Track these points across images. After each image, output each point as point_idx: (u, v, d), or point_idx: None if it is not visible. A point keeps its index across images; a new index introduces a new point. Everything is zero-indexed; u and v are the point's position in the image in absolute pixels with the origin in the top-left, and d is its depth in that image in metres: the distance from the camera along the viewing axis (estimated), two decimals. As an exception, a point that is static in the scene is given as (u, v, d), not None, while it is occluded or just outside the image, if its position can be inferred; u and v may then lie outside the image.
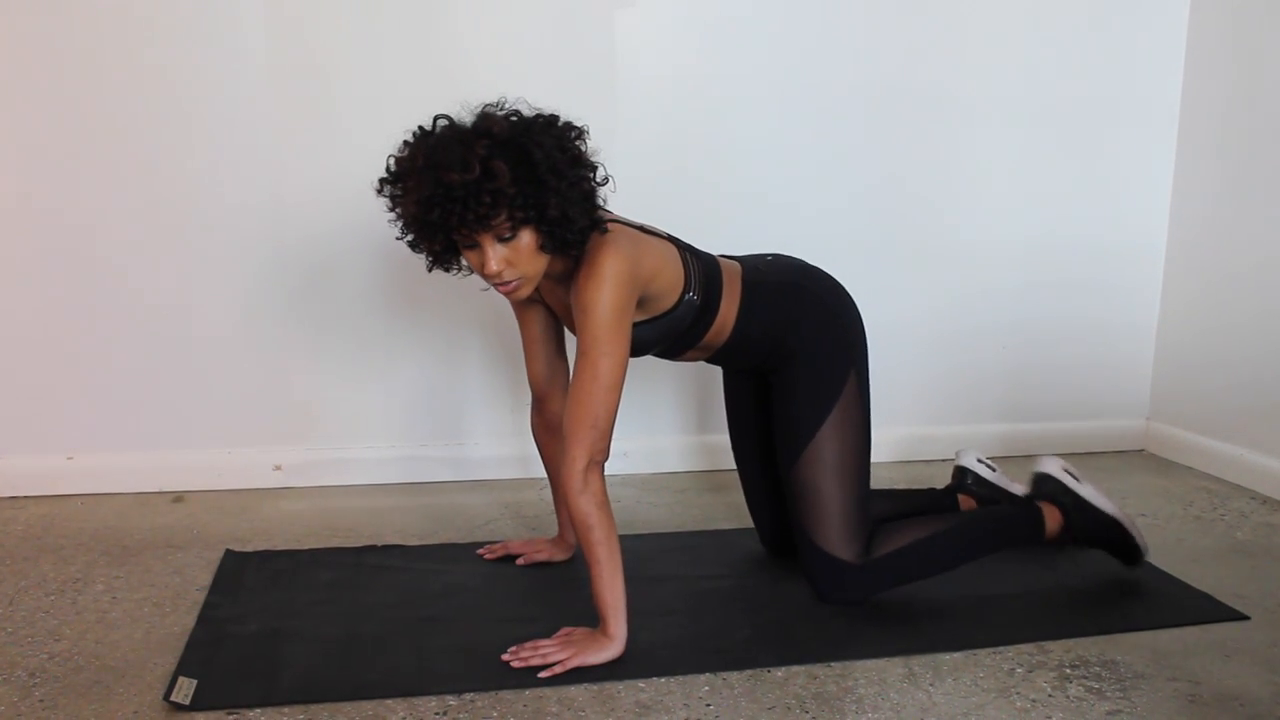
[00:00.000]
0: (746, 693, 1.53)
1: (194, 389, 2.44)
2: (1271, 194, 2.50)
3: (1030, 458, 2.81)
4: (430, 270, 1.73)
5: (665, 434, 2.64)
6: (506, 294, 1.65)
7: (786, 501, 1.89)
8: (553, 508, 2.36)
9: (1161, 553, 2.10)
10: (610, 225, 1.67)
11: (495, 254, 1.58)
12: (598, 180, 1.66)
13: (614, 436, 2.62)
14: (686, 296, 1.76)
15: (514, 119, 1.59)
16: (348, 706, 1.47)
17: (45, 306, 2.36)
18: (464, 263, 1.70)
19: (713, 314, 1.81)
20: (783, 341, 1.85)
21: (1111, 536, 1.95)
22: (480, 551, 2.05)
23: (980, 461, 2.16)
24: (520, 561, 2.00)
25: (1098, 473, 2.69)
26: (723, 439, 2.14)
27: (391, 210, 1.64)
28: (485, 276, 1.62)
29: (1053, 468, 2.01)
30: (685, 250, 1.81)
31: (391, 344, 2.51)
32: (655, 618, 1.75)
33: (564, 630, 1.67)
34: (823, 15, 2.57)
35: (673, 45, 2.51)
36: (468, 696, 1.51)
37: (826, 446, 1.81)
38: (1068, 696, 1.53)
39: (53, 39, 2.26)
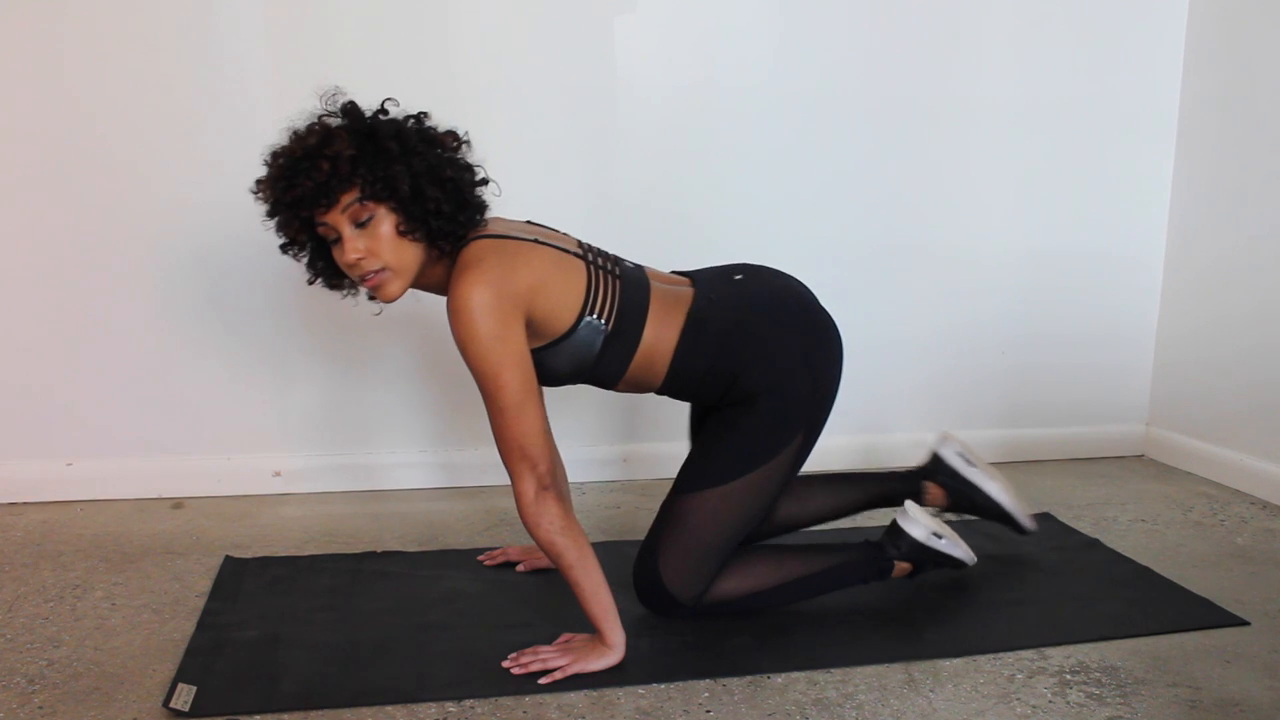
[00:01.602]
0: (746, 699, 1.53)
1: (194, 395, 2.44)
2: (1270, 199, 2.50)
3: (1030, 463, 2.83)
4: (311, 282, 1.68)
5: (664, 440, 2.64)
6: (374, 292, 1.58)
7: (657, 513, 1.78)
8: (552, 513, 2.36)
9: (1161, 558, 2.10)
10: (481, 240, 1.59)
11: (351, 240, 1.53)
12: (475, 178, 1.62)
13: (613, 442, 2.64)
14: (585, 319, 1.64)
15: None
16: (347, 713, 1.47)
17: (45, 312, 2.36)
18: (348, 281, 1.65)
19: (632, 343, 1.68)
20: (734, 384, 1.71)
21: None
22: (480, 558, 2.04)
23: (959, 455, 2.06)
24: (520, 568, 2.00)
25: (1097, 478, 2.69)
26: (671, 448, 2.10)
27: (265, 211, 1.59)
28: (350, 271, 1.56)
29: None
30: (600, 269, 1.68)
31: (392, 350, 2.51)
32: (655, 624, 1.75)
33: (564, 636, 1.67)
34: (822, 22, 2.57)
35: (672, 51, 2.51)
36: (467, 703, 1.50)
37: (728, 500, 1.71)
38: (1068, 703, 1.53)
39: (51, 44, 2.26)
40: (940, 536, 1.87)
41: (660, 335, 1.70)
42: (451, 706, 1.50)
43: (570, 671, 1.57)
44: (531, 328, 1.61)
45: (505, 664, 1.60)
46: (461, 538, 2.21)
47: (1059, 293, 2.80)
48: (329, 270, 1.66)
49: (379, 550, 2.11)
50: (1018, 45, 2.67)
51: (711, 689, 1.56)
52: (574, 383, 1.75)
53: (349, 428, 2.52)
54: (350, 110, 1.57)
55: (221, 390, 2.45)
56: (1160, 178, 2.82)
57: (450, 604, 1.85)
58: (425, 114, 1.63)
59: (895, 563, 1.86)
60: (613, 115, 2.50)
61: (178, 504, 2.41)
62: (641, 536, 2.17)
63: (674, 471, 1.98)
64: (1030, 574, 2.00)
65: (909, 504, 1.90)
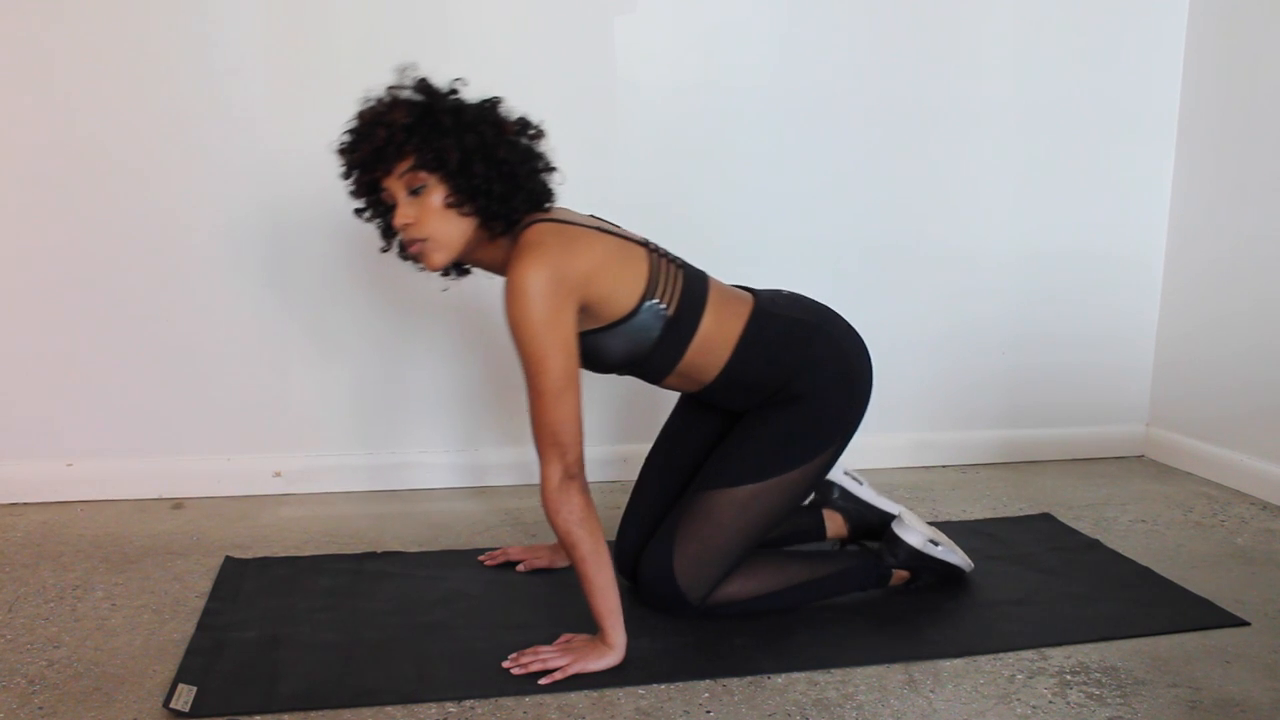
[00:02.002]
0: (747, 699, 1.53)
1: (194, 395, 2.44)
2: (1270, 199, 2.50)
3: (1030, 464, 2.83)
4: (384, 250, 1.76)
5: (629, 443, 2.64)
6: (418, 259, 1.64)
7: (675, 507, 1.79)
8: (552, 514, 2.36)
9: (1161, 558, 2.10)
10: (541, 224, 1.62)
11: (403, 206, 1.60)
12: (536, 165, 1.66)
13: (612, 442, 2.63)
14: (648, 302, 1.66)
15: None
16: (347, 713, 1.47)
17: (45, 313, 2.36)
18: (420, 265, 1.70)
19: (689, 331, 1.70)
20: (787, 385, 1.74)
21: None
22: (481, 558, 2.04)
23: (847, 474, 2.07)
24: (520, 568, 2.00)
25: (1098, 479, 2.69)
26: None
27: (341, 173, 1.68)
28: (402, 235, 1.63)
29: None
30: (663, 257, 1.72)
31: (392, 350, 2.51)
32: (655, 624, 1.75)
33: (564, 637, 1.67)
34: (822, 23, 2.58)
35: (672, 52, 2.52)
36: (468, 703, 1.50)
37: (758, 498, 1.73)
38: (1068, 703, 1.53)
39: (49, 43, 2.26)
40: (937, 544, 1.88)
41: (719, 328, 1.72)
42: (451, 706, 1.50)
43: (570, 671, 1.57)
44: (589, 311, 1.64)
45: (505, 664, 1.60)
46: (461, 538, 2.21)
47: (1059, 293, 2.80)
48: (387, 228, 1.73)
49: (379, 551, 2.11)
50: (1018, 46, 2.67)
51: (712, 689, 1.56)
52: (623, 371, 1.77)
53: (349, 428, 2.52)
54: (418, 84, 1.62)
55: (221, 390, 2.45)
56: (1160, 178, 2.82)
57: (450, 604, 1.85)
58: (499, 99, 1.66)
59: (893, 571, 1.87)
60: (613, 115, 2.50)
61: (178, 504, 2.41)
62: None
63: (630, 474, 1.98)
64: (1030, 574, 2.00)
65: (904, 512, 1.91)
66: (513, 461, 2.58)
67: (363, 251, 2.45)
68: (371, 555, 2.08)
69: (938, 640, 1.73)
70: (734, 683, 1.58)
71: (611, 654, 1.60)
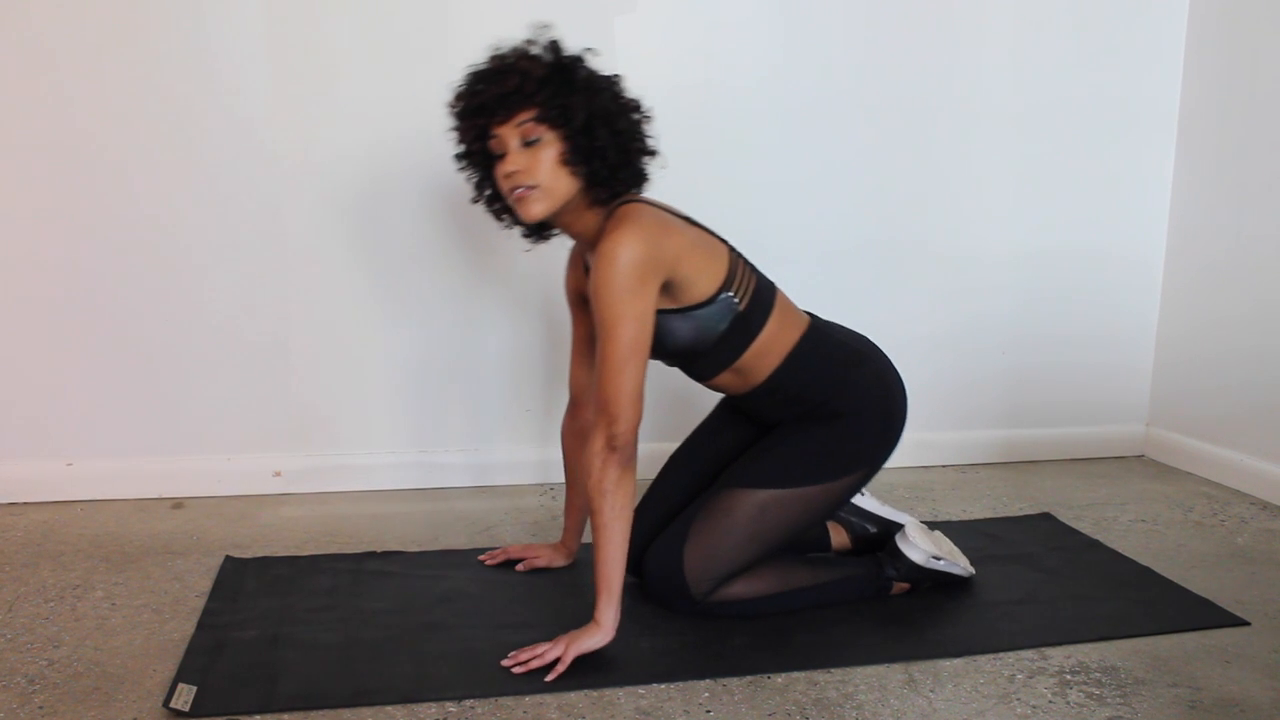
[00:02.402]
0: (747, 699, 1.53)
1: (193, 395, 2.44)
2: (1270, 199, 2.50)
3: (1030, 463, 2.83)
4: (475, 200, 1.77)
5: (662, 440, 2.63)
6: (519, 207, 1.65)
7: (693, 502, 1.81)
8: (553, 513, 2.36)
9: (1161, 558, 2.10)
10: (639, 202, 1.68)
11: (515, 154, 1.62)
12: (644, 145, 1.70)
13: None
14: (725, 294, 1.72)
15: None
16: (347, 713, 1.47)
17: (45, 313, 2.36)
18: (503, 207, 1.74)
19: (754, 330, 1.75)
20: (828, 402, 1.79)
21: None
22: (481, 558, 2.04)
23: None
24: (520, 567, 2.00)
25: (1098, 479, 2.69)
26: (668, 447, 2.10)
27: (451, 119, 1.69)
28: (506, 185, 1.64)
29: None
30: (740, 258, 1.78)
31: (392, 349, 2.51)
32: (655, 623, 1.75)
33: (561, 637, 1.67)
34: (822, 23, 2.58)
35: (672, 52, 2.51)
36: (468, 703, 1.50)
37: (779, 505, 1.74)
38: (1068, 703, 1.53)
39: (48, 39, 2.26)
40: (939, 558, 1.88)
41: (778, 334, 1.78)
42: (451, 706, 1.50)
43: (569, 658, 1.58)
44: (670, 290, 1.68)
45: (506, 663, 1.60)
46: (461, 538, 2.21)
47: (1059, 293, 2.80)
48: (492, 195, 1.75)
49: (379, 550, 2.11)
50: (1018, 45, 2.67)
51: (712, 689, 1.56)
52: (677, 360, 1.80)
53: (349, 428, 2.52)
54: (552, 44, 1.66)
55: (221, 390, 2.45)
56: (1160, 178, 2.82)
57: (450, 604, 1.85)
58: (620, 76, 1.70)
59: (894, 582, 1.88)
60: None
61: (178, 504, 2.41)
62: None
63: (654, 471, 1.99)
64: (1030, 574, 2.00)
65: (908, 527, 1.91)
66: (513, 461, 2.58)
67: (362, 251, 2.46)
68: (371, 555, 2.08)
69: (938, 640, 1.73)
70: (734, 682, 1.58)
71: (600, 632, 1.61)
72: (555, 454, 2.57)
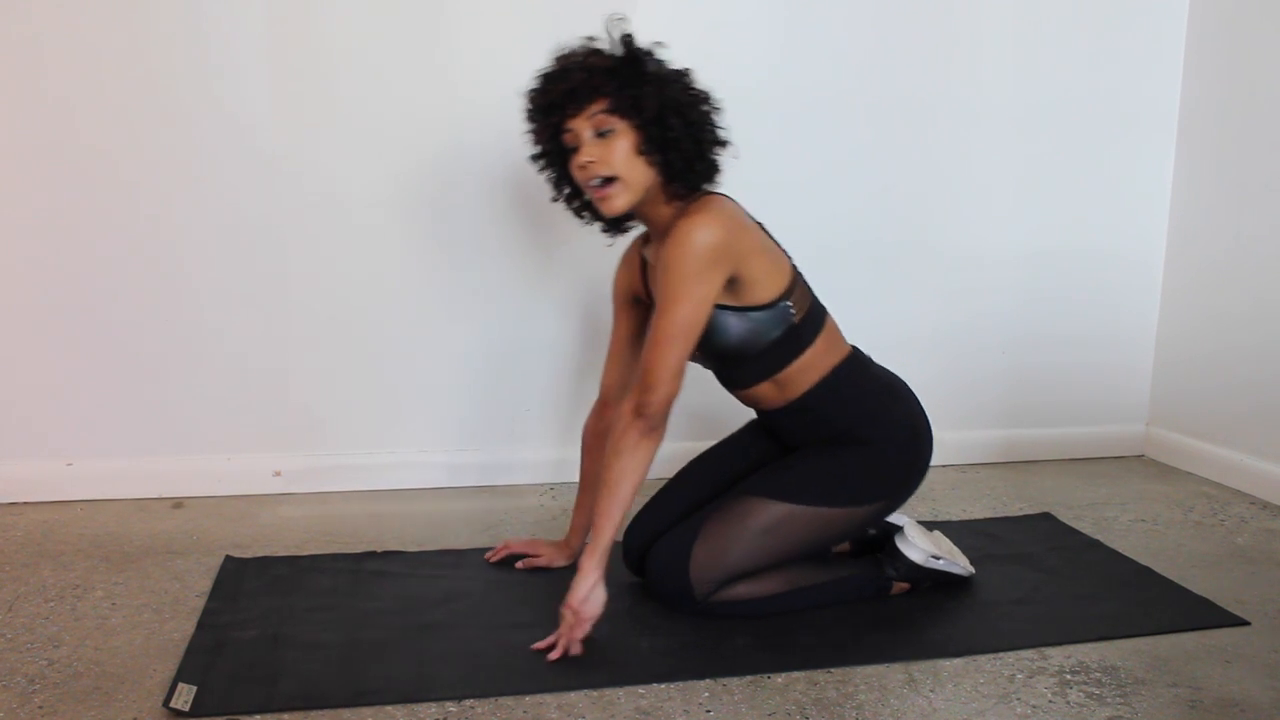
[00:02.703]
0: (747, 699, 1.53)
1: (194, 395, 2.44)
2: (1270, 199, 2.50)
3: (1030, 463, 2.83)
4: (554, 199, 1.80)
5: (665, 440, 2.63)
6: (600, 204, 1.68)
7: (710, 500, 1.83)
8: (553, 513, 2.36)
9: (1161, 558, 2.10)
10: (721, 195, 1.71)
11: (588, 146, 1.64)
12: (717, 136, 1.72)
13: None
14: (784, 302, 1.74)
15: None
16: (347, 713, 1.47)
17: (44, 312, 2.36)
18: (584, 202, 1.77)
19: (803, 344, 1.77)
20: (854, 429, 1.81)
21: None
22: (486, 556, 2.04)
23: None
24: (521, 565, 2.00)
25: (1098, 479, 2.69)
26: (691, 446, 2.11)
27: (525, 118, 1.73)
28: (582, 177, 1.67)
29: None
30: (799, 274, 1.81)
31: (392, 349, 2.51)
32: (656, 623, 1.75)
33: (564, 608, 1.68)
34: (822, 21, 2.57)
35: (672, 50, 2.50)
36: (468, 703, 1.50)
37: (792, 521, 1.75)
38: (1068, 703, 1.53)
39: (47, 41, 2.26)
40: (938, 558, 1.88)
41: (822, 354, 1.80)
42: (451, 706, 1.50)
43: (585, 622, 1.62)
44: (733, 286, 1.70)
45: (552, 657, 1.61)
46: (461, 538, 2.21)
47: (1059, 292, 2.80)
48: (571, 193, 1.79)
49: (379, 550, 2.11)
50: (1018, 45, 2.67)
51: (712, 689, 1.56)
52: (720, 364, 1.81)
53: (349, 427, 2.52)
54: (625, 37, 1.69)
55: (221, 390, 2.45)
56: (1160, 177, 2.82)
57: (450, 604, 1.85)
58: (690, 69, 1.73)
59: (894, 582, 1.88)
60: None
61: (178, 504, 2.41)
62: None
63: (670, 472, 1.99)
64: (1030, 574, 2.00)
65: (907, 527, 1.92)
66: (513, 461, 2.58)
67: (361, 250, 2.46)
68: (371, 555, 2.08)
69: (938, 640, 1.73)
70: (734, 682, 1.58)
71: (582, 583, 1.63)
72: (555, 454, 2.58)
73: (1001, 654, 1.68)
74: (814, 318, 1.80)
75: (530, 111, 1.71)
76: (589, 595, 1.64)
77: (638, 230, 1.91)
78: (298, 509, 2.39)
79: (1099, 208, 2.80)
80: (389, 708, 1.49)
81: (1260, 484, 2.52)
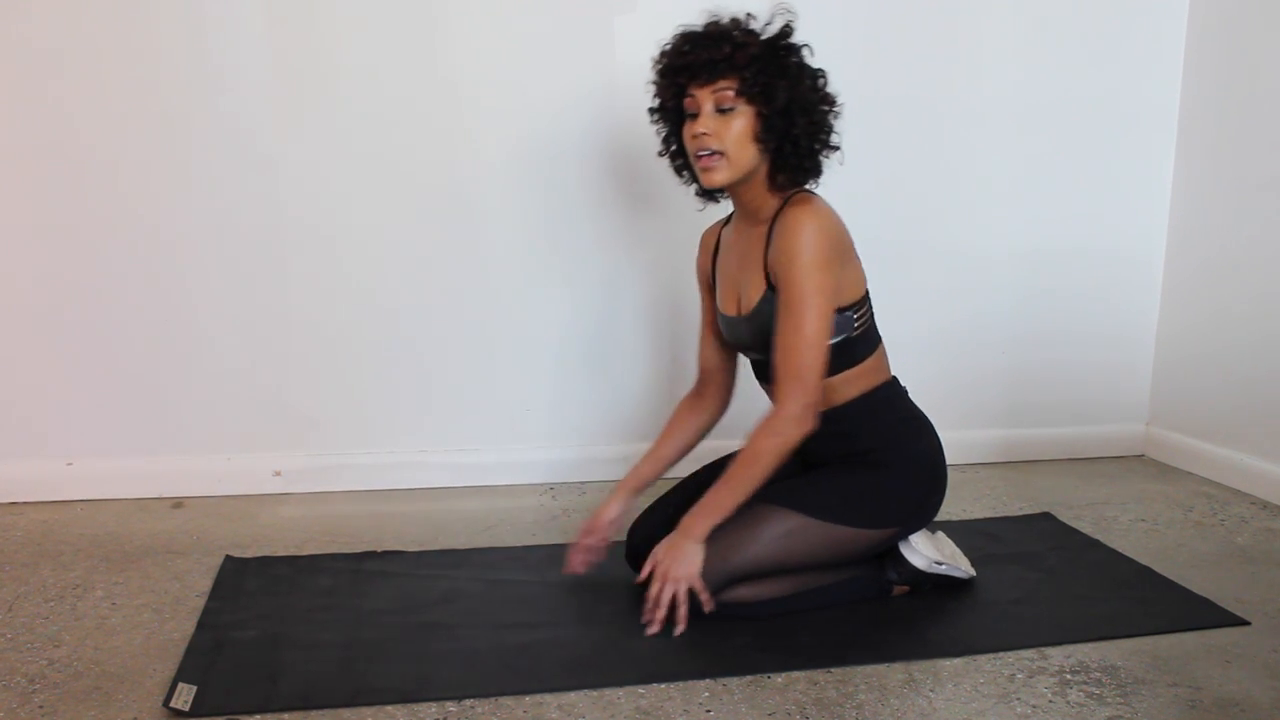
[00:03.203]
0: (747, 699, 1.53)
1: (193, 395, 2.44)
2: (1271, 198, 2.50)
3: (1030, 463, 2.83)
4: (661, 154, 1.85)
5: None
6: (703, 174, 1.71)
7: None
8: (553, 513, 2.36)
9: (1161, 558, 2.10)
10: (818, 195, 1.76)
11: (706, 118, 1.68)
12: (830, 140, 1.76)
13: (612, 442, 2.64)
14: (851, 312, 1.78)
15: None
16: (347, 713, 1.47)
17: (45, 312, 2.36)
18: (685, 164, 1.80)
19: (854, 358, 1.80)
20: (875, 451, 1.82)
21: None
22: (569, 571, 1.93)
23: None
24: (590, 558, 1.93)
25: (1098, 478, 2.69)
26: (718, 444, 2.11)
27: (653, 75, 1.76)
28: (692, 145, 1.71)
29: None
30: (868, 293, 1.85)
31: (392, 349, 2.51)
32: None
33: (651, 561, 1.72)
34: (821, 19, 2.56)
35: (672, 51, 2.51)
36: (467, 703, 1.50)
37: (804, 533, 1.75)
38: (1068, 702, 1.53)
39: (47, 42, 2.26)
40: (940, 563, 1.88)
41: (866, 373, 1.83)
42: (451, 706, 1.50)
43: (673, 582, 1.67)
44: None
45: (651, 631, 1.67)
46: (461, 538, 2.21)
47: (1059, 291, 2.80)
48: (676, 151, 1.83)
49: (379, 550, 2.11)
50: (1018, 44, 2.67)
51: (712, 688, 1.56)
52: (768, 353, 1.80)
53: (349, 427, 2.52)
54: (783, 27, 1.73)
55: (221, 390, 2.45)
56: (1160, 176, 2.82)
57: (450, 604, 1.85)
58: (825, 71, 1.77)
59: (895, 585, 1.88)
60: (613, 115, 2.50)
61: (178, 504, 2.41)
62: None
63: (672, 471, 1.99)
64: (1030, 574, 2.00)
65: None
66: (513, 461, 2.58)
67: (361, 251, 2.46)
68: (371, 554, 2.08)
69: (938, 639, 1.73)
70: (734, 682, 1.58)
71: (687, 547, 1.69)
72: (555, 454, 2.58)
73: (1001, 654, 1.67)
74: (870, 337, 1.84)
75: (661, 67, 1.74)
76: (684, 555, 1.68)
77: (716, 211, 1.96)
78: (298, 509, 2.39)
79: (1099, 207, 2.79)
80: (389, 707, 1.48)
81: (1260, 484, 2.51)
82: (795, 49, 1.72)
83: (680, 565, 1.69)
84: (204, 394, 2.44)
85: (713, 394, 2.00)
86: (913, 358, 2.73)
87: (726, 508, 1.71)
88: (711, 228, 2.01)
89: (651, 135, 2.51)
